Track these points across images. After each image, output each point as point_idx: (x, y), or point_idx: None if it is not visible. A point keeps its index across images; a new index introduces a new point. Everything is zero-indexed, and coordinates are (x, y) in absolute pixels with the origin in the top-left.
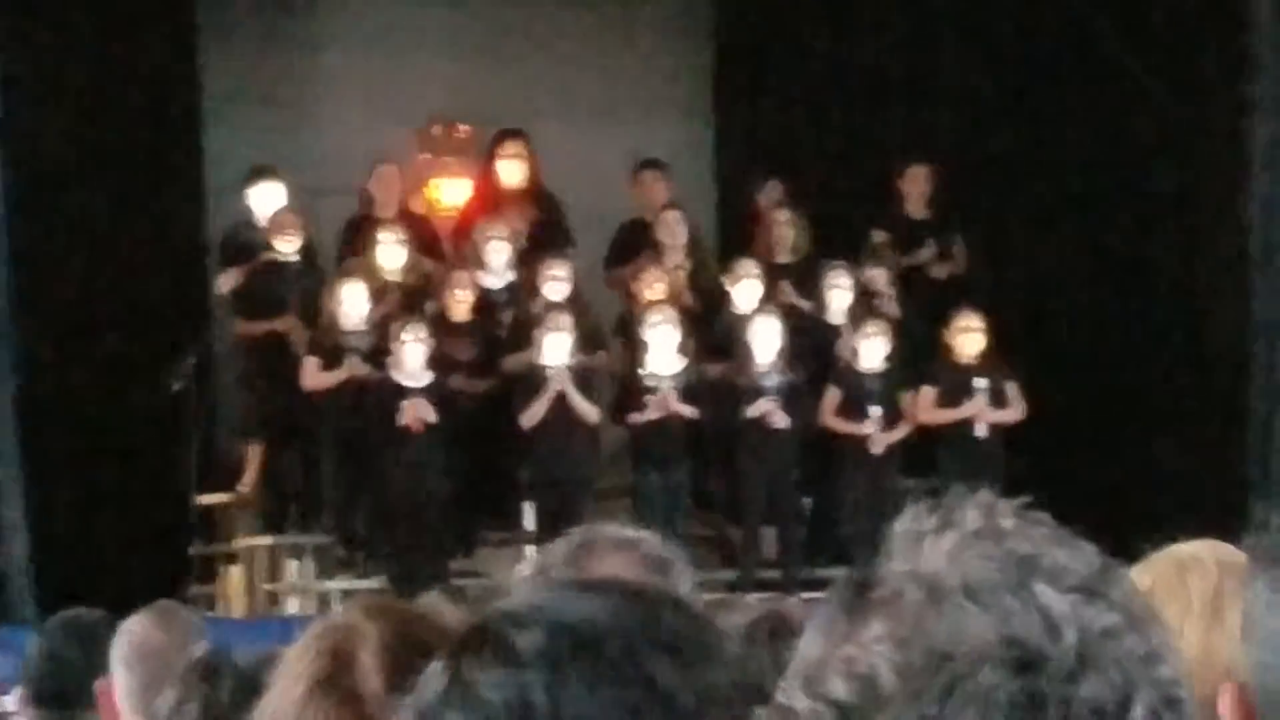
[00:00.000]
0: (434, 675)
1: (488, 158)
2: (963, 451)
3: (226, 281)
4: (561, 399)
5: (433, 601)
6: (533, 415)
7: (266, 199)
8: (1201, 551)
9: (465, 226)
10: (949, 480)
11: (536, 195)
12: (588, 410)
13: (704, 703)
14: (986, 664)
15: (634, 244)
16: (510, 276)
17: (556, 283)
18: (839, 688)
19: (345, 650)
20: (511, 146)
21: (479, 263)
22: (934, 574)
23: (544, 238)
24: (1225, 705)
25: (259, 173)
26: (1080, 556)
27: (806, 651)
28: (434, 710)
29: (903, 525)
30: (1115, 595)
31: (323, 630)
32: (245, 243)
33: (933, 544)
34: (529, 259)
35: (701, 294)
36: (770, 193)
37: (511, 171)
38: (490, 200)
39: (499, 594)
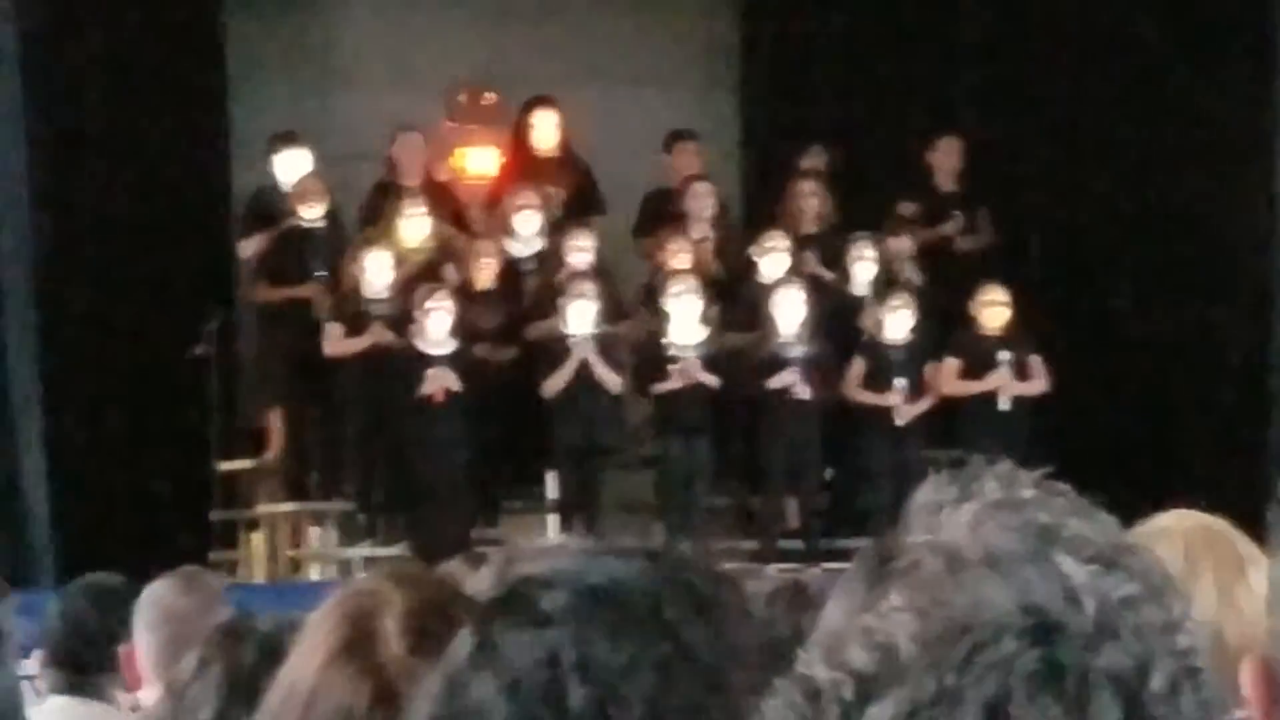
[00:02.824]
0: (463, 640)
1: (518, 125)
2: (986, 424)
3: (249, 247)
4: (585, 368)
5: (455, 569)
6: (556, 384)
7: (291, 165)
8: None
9: (498, 194)
10: (973, 452)
11: (568, 162)
12: (611, 379)
13: (730, 661)
14: (1006, 633)
15: (663, 213)
16: (539, 244)
17: (581, 251)
18: (859, 657)
19: (368, 616)
20: (543, 113)
21: (508, 230)
22: (953, 544)
23: (576, 205)
24: (1247, 678)
25: (283, 139)
26: (1100, 527)
27: (827, 622)
28: (464, 674)
29: (922, 496)
30: (1134, 565)
31: (345, 596)
32: (269, 208)
33: (952, 514)
34: (562, 226)
35: (727, 264)
36: (813, 158)
37: (544, 138)
38: (522, 167)
39: (518, 560)
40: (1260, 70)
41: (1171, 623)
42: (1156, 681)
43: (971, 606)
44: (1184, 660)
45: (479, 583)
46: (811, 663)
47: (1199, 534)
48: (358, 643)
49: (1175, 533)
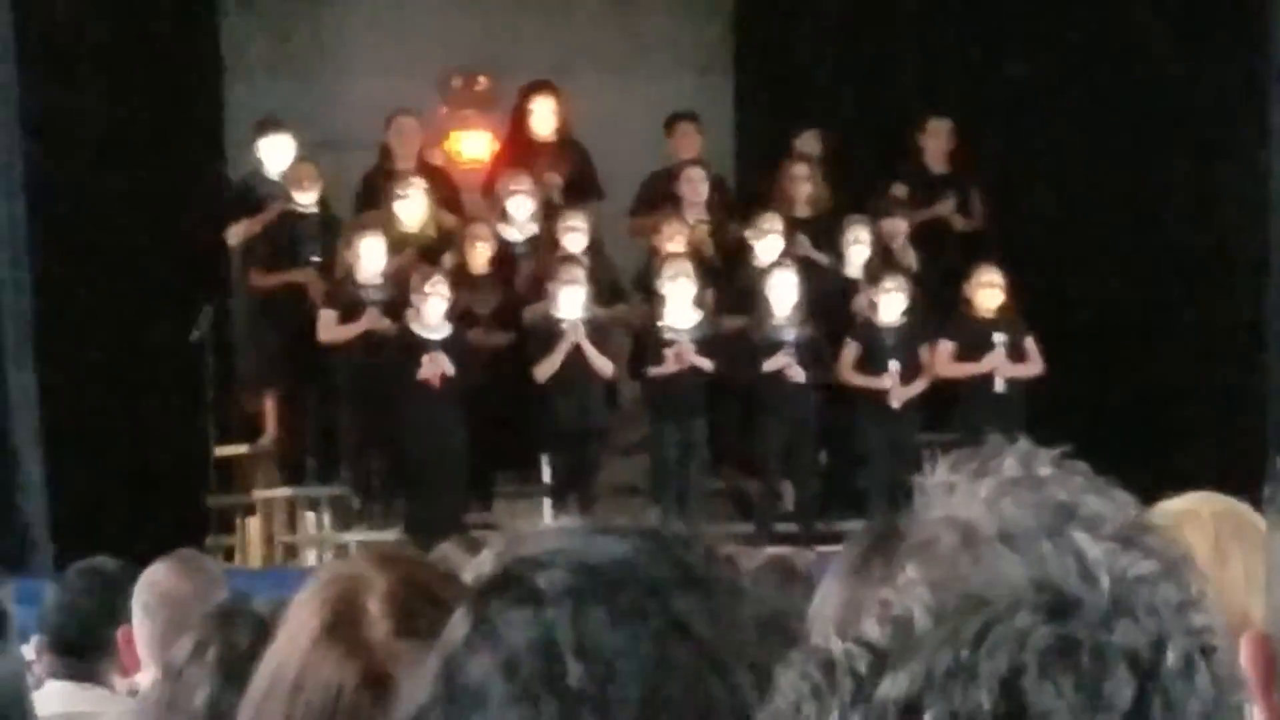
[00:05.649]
0: (459, 620)
1: (517, 110)
2: (981, 406)
3: (237, 234)
4: (577, 351)
5: (449, 552)
6: (546, 369)
7: (275, 152)
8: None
9: (493, 179)
10: (967, 434)
11: (566, 147)
12: (601, 363)
13: (728, 639)
14: (1021, 609)
15: (661, 194)
16: (534, 229)
17: (574, 234)
18: (873, 630)
19: (352, 599)
20: (541, 99)
21: (503, 215)
22: (970, 519)
23: (574, 190)
24: (1246, 656)
25: (267, 125)
26: (1116, 505)
27: (837, 595)
28: (459, 654)
29: (938, 474)
30: (1151, 543)
31: (329, 579)
32: (253, 194)
33: (969, 490)
34: (559, 211)
35: (722, 248)
36: (808, 143)
37: (542, 124)
38: (520, 153)
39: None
40: (1253, 51)
41: (1187, 601)
42: (1171, 659)
43: (987, 581)
44: (1199, 638)
45: (478, 565)
46: (826, 635)
47: (1228, 519)
48: (343, 624)
49: (1204, 516)
